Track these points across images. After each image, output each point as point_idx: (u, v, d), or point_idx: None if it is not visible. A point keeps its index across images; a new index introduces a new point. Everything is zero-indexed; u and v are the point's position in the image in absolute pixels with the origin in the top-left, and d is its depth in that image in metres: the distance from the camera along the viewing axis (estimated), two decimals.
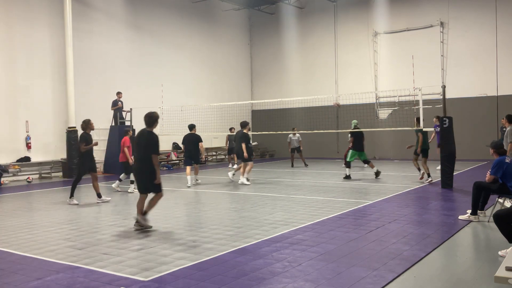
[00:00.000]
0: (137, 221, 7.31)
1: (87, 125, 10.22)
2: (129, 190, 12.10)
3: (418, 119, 12.93)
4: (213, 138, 23.06)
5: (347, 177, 13.61)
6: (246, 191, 11.76)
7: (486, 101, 20.00)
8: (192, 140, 13.35)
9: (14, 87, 16.12)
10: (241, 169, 13.29)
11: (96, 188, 10.35)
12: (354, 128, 13.99)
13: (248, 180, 13.11)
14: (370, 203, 9.39)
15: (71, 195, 10.23)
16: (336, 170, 16.80)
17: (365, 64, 22.93)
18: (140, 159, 7.36)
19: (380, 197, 10.08)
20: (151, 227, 7.33)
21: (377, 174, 13.71)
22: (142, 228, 7.26)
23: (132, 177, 11.90)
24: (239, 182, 13.14)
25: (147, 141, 7.29)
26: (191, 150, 13.34)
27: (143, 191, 7.42)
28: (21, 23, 16.34)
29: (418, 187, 11.71)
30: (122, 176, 12.46)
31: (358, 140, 13.89)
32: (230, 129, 18.46)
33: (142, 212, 7.31)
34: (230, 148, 18.44)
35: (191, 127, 13.66)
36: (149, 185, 7.32)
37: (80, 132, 10.80)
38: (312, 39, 24.64)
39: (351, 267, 5.14)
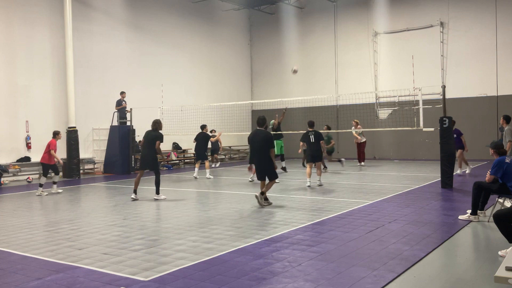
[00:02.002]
0: (259, 198, 9.20)
1: (159, 124, 10.74)
2: (52, 191, 12.12)
3: (327, 126, 16.97)
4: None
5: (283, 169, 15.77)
6: (246, 191, 11.76)
7: (486, 101, 20.00)
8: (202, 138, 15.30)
9: (14, 87, 16.11)
10: (311, 170, 12.33)
11: (136, 184, 10.69)
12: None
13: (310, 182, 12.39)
14: (370, 203, 9.39)
15: (158, 192, 10.59)
16: (337, 170, 16.79)
17: (365, 64, 22.91)
18: (260, 154, 9.19)
19: (380, 197, 10.08)
20: (270, 203, 9.32)
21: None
22: (267, 204, 9.27)
23: (55, 178, 12.20)
24: (318, 184, 12.23)
25: (263, 137, 9.18)
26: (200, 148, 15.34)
27: (262, 178, 9.37)
28: (21, 23, 16.32)
29: (418, 187, 11.71)
30: (42, 179, 12.03)
31: None
32: (211, 131, 17.69)
33: (261, 192, 9.25)
34: (214, 149, 19.81)
35: (203, 127, 15.45)
36: (268, 172, 9.23)
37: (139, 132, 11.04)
38: (312, 39, 24.62)
39: (351, 267, 5.14)
